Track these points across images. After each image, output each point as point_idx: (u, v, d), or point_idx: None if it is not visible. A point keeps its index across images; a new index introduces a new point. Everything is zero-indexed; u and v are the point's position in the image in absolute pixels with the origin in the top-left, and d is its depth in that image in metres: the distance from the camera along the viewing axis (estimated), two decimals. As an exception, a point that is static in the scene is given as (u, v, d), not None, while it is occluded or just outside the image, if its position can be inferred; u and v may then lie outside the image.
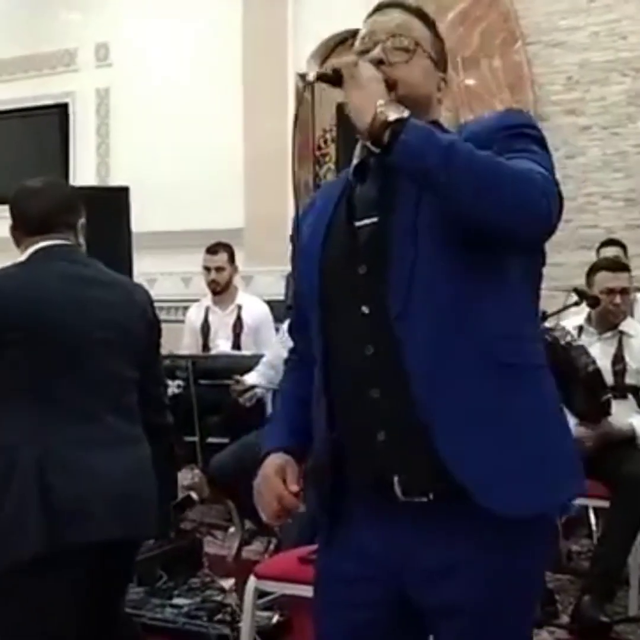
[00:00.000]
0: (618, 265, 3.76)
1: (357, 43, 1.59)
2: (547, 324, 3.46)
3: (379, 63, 1.51)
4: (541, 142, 1.50)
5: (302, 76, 6.18)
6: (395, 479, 1.46)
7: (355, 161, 1.59)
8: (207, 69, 6.37)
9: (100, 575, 2.15)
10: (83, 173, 6.92)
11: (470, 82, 5.89)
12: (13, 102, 7.05)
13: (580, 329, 3.75)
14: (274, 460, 1.58)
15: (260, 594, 2.77)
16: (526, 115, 1.57)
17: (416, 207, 1.45)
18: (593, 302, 3.65)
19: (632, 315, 4.71)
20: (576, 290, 3.65)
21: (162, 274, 6.45)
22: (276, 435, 1.65)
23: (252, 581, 2.68)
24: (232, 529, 4.19)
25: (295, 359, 1.74)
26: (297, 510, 1.56)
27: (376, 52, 1.53)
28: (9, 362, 2.12)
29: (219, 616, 3.27)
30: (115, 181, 6.54)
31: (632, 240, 5.23)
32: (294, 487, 1.54)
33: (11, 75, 7.10)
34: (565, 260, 5.03)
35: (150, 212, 5.96)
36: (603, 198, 5.57)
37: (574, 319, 3.86)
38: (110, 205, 5.74)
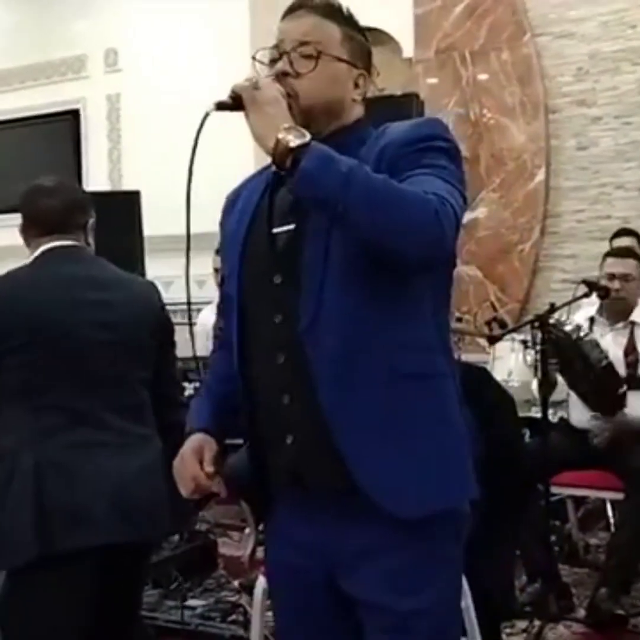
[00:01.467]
0: (625, 252, 3.73)
1: (267, 51, 1.59)
2: (556, 315, 3.43)
3: (285, 74, 1.53)
4: (451, 153, 1.52)
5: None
6: (305, 477, 1.52)
7: (273, 167, 1.58)
8: (217, 72, 6.37)
9: (110, 578, 2.14)
10: (95, 179, 6.96)
11: (480, 76, 5.87)
12: (24, 110, 7.11)
13: (592, 320, 3.72)
14: (194, 441, 1.62)
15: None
16: (439, 126, 1.58)
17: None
18: (603, 293, 3.62)
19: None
20: (585, 282, 3.61)
21: (176, 276, 6.46)
22: (200, 415, 1.69)
23: (261, 581, 2.67)
24: (247, 530, 4.19)
25: (222, 336, 1.76)
26: (215, 490, 1.60)
27: (280, 64, 1.55)
28: (8, 367, 2.12)
29: (233, 617, 3.28)
30: (127, 186, 6.57)
31: (646, 230, 5.18)
32: (209, 468, 1.58)
33: (22, 83, 7.15)
34: (577, 252, 5.00)
35: (163, 216, 5.96)
36: (616, 188, 5.52)
37: (586, 310, 3.83)
38: (122, 209, 5.77)
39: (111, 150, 6.99)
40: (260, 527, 4.11)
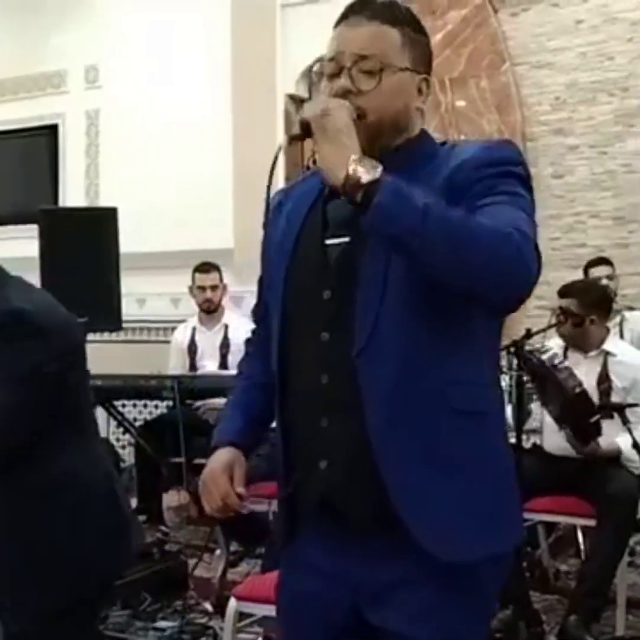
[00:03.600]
0: (563, 291, 3.75)
1: (325, 64, 1.51)
2: (532, 342, 3.45)
3: (347, 93, 1.46)
4: (526, 181, 1.45)
5: (292, 97, 6.20)
6: (336, 504, 1.46)
7: None
8: (197, 91, 6.39)
9: None
10: (72, 194, 6.93)
11: (458, 103, 5.92)
12: (2, 124, 7.07)
13: (566, 348, 3.75)
14: (223, 456, 1.57)
15: (243, 615, 2.74)
16: (515, 150, 1.51)
17: None
18: (578, 321, 3.65)
19: (621, 334, 4.73)
20: (561, 309, 3.65)
21: (151, 294, 6.45)
22: (229, 427, 1.63)
23: (233, 603, 2.65)
24: (218, 551, 4.16)
25: (257, 341, 1.70)
26: (241, 510, 1.55)
27: (342, 82, 1.47)
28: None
29: (203, 639, 3.25)
30: (104, 202, 6.54)
31: (620, 259, 5.23)
32: (241, 489, 1.53)
33: (1, 96, 7.12)
34: (552, 279, 5.02)
35: (140, 233, 5.95)
36: (591, 217, 5.58)
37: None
38: (98, 226, 5.75)
39: (89, 166, 6.96)
40: (231, 548, 4.10)
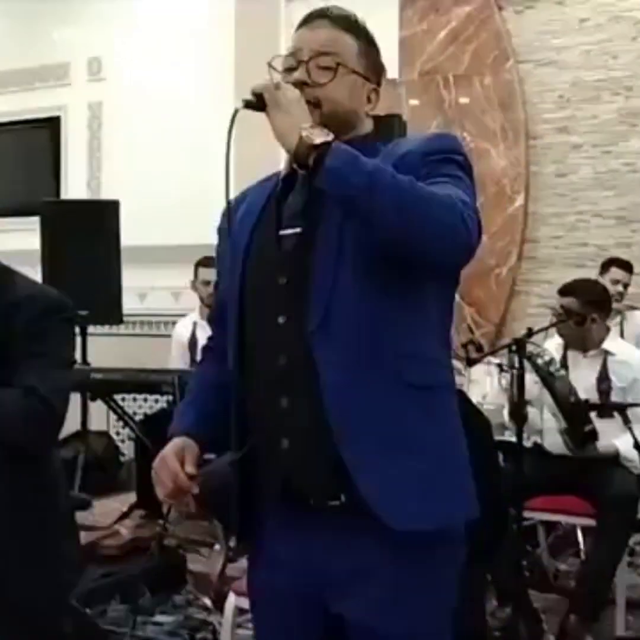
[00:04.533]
0: (565, 289, 3.74)
1: (283, 59, 1.59)
2: (534, 341, 3.44)
3: (302, 84, 1.53)
4: (467, 168, 1.54)
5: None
6: (298, 484, 1.50)
7: (283, 171, 1.61)
8: (200, 83, 6.38)
9: None
10: (74, 187, 6.91)
11: (462, 100, 5.91)
12: (5, 116, 7.05)
13: (566, 347, 3.74)
14: (175, 443, 1.61)
15: (242, 610, 2.74)
16: (456, 141, 1.59)
17: (341, 222, 1.46)
18: (580, 320, 3.64)
19: (622, 333, 4.73)
20: (562, 308, 3.64)
21: (152, 288, 6.44)
22: (184, 420, 1.67)
23: (231, 598, 2.65)
24: (217, 546, 4.16)
25: (213, 347, 1.75)
26: (192, 492, 1.56)
27: (298, 73, 1.54)
28: None
29: (202, 634, 3.25)
30: (106, 195, 6.53)
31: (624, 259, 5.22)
32: (191, 469, 1.56)
33: (3, 88, 7.09)
34: (554, 278, 5.03)
35: (141, 226, 5.95)
36: (594, 216, 5.57)
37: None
38: (100, 219, 5.74)
39: (91, 159, 6.95)
40: (231, 544, 4.09)
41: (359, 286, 1.46)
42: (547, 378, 3.40)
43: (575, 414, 3.42)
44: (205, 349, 1.80)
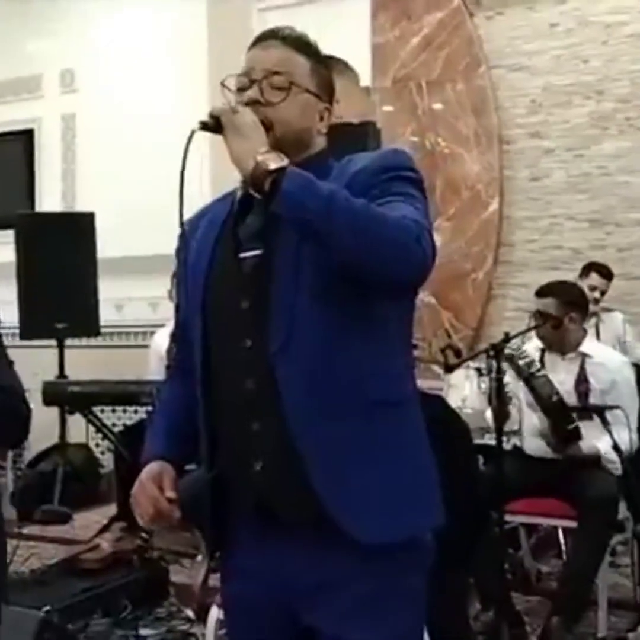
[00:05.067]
0: (543, 291, 3.76)
1: (236, 78, 1.61)
2: (511, 344, 3.46)
3: (255, 103, 1.54)
4: (419, 184, 1.55)
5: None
6: (272, 505, 1.52)
7: (240, 192, 1.61)
8: (173, 94, 6.37)
9: None
10: (49, 199, 6.88)
11: (435, 106, 5.94)
12: (-22, 129, 7.01)
13: (544, 350, 3.76)
14: (152, 468, 1.62)
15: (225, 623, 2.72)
16: (407, 157, 1.61)
17: (299, 244, 1.48)
18: (557, 323, 3.66)
19: (597, 335, 4.76)
20: (539, 311, 3.66)
21: (129, 299, 6.42)
22: (155, 443, 1.68)
23: (214, 610, 2.64)
24: (199, 557, 4.13)
25: (177, 366, 1.75)
26: (173, 516, 1.58)
27: (251, 92, 1.56)
28: None
29: (185, 646, 3.23)
30: (81, 207, 6.51)
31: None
32: (171, 494, 1.57)
33: (-24, 101, 7.06)
34: (530, 281, 5.05)
35: (117, 238, 5.93)
36: (568, 219, 5.61)
37: (538, 340, 3.87)
38: (75, 231, 5.73)
39: (65, 170, 6.91)
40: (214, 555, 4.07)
41: (317, 307, 1.48)
42: (528, 379, 3.42)
43: (559, 413, 3.44)
44: (169, 368, 1.82)
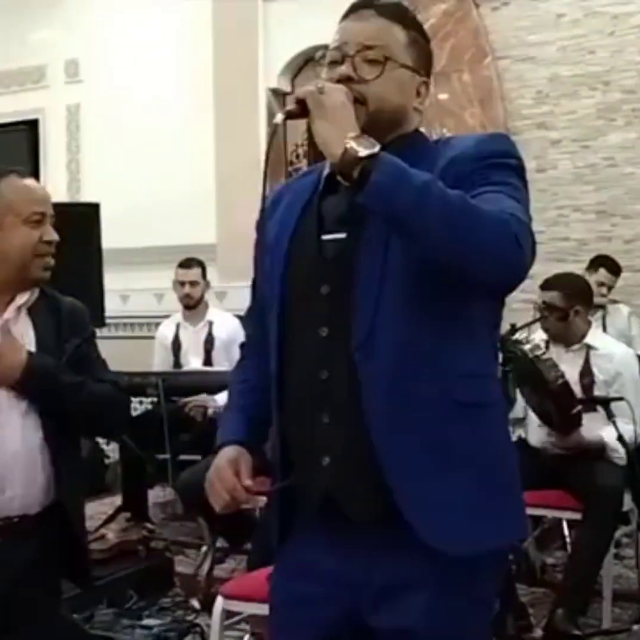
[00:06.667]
0: (547, 284, 3.75)
1: (328, 52, 1.50)
2: (517, 336, 3.46)
3: (348, 80, 1.44)
4: (520, 172, 1.45)
5: (274, 91, 6.19)
6: (340, 502, 1.44)
7: (326, 170, 1.52)
8: (179, 85, 6.37)
9: None
10: (53, 190, 6.80)
11: (441, 96, 5.91)
12: (-18, 119, 7.01)
13: (548, 342, 3.75)
14: (228, 452, 1.55)
15: (231, 613, 2.73)
16: (509, 142, 1.49)
17: (388, 231, 1.38)
18: (562, 315, 3.65)
19: (604, 327, 4.75)
20: (545, 303, 3.65)
21: (134, 290, 6.42)
22: (231, 427, 1.61)
23: (219, 601, 2.64)
24: (204, 548, 4.15)
25: (251, 344, 1.69)
26: (246, 504, 1.53)
27: (344, 69, 1.45)
28: None
29: (190, 637, 3.23)
30: (86, 198, 6.50)
31: (603, 252, 5.24)
32: (247, 482, 1.51)
33: (-20, 92, 7.06)
34: (537, 272, 5.02)
35: (122, 228, 5.92)
36: (574, 211, 5.61)
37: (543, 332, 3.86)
38: (80, 221, 5.70)
39: (70, 161, 6.92)
40: (218, 545, 4.08)
41: (404, 301, 1.38)
42: (534, 361, 3.40)
43: (562, 396, 3.43)
44: (242, 346, 1.73)
